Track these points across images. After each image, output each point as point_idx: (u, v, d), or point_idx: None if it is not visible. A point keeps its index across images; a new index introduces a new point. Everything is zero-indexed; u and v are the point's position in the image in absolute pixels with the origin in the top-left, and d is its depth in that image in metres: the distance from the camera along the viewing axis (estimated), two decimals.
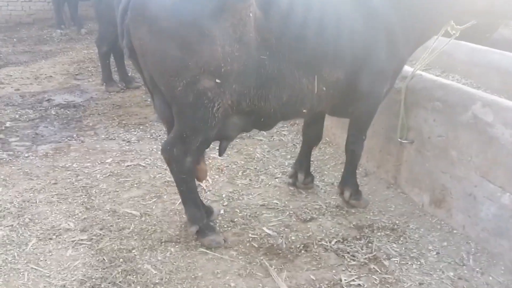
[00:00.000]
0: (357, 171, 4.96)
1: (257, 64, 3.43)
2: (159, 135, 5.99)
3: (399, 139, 4.53)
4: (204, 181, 4.37)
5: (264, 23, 3.37)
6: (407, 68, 4.71)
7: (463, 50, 6.25)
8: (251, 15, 3.26)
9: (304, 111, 3.87)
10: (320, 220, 4.26)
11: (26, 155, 5.44)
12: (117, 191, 4.71)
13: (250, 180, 4.97)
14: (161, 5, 3.20)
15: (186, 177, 3.73)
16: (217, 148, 5.42)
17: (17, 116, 6.62)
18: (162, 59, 3.31)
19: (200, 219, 3.88)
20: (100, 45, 7.61)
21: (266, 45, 3.42)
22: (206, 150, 3.94)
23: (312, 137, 4.68)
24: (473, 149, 3.87)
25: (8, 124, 6.32)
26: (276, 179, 5.00)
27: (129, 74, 8.17)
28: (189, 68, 3.25)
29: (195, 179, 3.89)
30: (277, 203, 4.53)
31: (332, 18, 3.68)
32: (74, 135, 6.01)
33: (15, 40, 11.44)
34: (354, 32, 3.76)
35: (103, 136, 6.01)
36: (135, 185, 4.82)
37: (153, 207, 4.43)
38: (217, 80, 3.31)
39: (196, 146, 3.59)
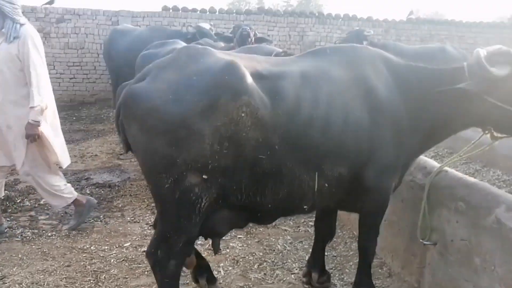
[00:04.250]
0: (380, 270, 4.65)
1: (252, 161, 3.31)
2: None
3: (421, 240, 4.19)
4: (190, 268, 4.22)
5: (268, 122, 3.28)
6: (433, 164, 4.47)
7: (506, 145, 5.88)
8: (243, 115, 3.18)
9: (305, 207, 3.68)
10: None
11: (50, 234, 5.51)
12: (126, 277, 4.62)
13: (264, 274, 4.73)
14: (151, 103, 3.16)
15: (169, 282, 3.52)
16: (238, 236, 5.39)
17: None
18: (151, 156, 3.25)
19: None
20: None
21: (267, 144, 3.31)
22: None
23: (324, 232, 4.45)
24: (497, 258, 3.50)
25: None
26: (292, 275, 4.73)
27: None
28: (177, 165, 3.17)
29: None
30: None
31: (337, 113, 3.54)
32: (101, 216, 6.05)
33: (74, 118, 12.08)
34: (358, 126, 3.60)
35: (128, 218, 6.02)
36: (146, 273, 4.70)
37: None
38: (204, 176, 3.22)
39: (179, 247, 3.42)
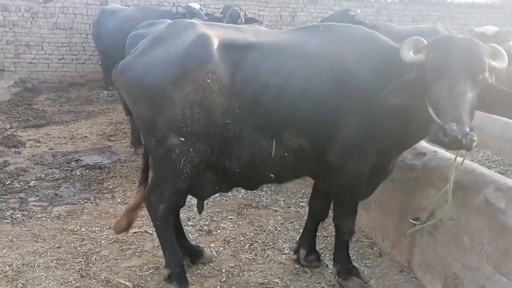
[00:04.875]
0: (371, 250, 4.68)
1: (221, 127, 3.65)
2: None
3: (411, 220, 4.22)
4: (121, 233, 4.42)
5: (229, 89, 3.61)
6: (423, 145, 4.47)
7: (496, 125, 5.91)
8: (209, 81, 3.55)
9: (271, 175, 3.87)
10: None
11: (40, 216, 5.48)
12: (117, 259, 4.62)
13: (255, 254, 4.75)
14: (134, 74, 3.71)
15: (160, 224, 4.00)
16: (229, 217, 5.40)
17: (43, 175, 6.76)
18: (138, 119, 3.84)
19: (174, 264, 4.07)
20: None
21: (230, 109, 3.63)
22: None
23: (317, 211, 4.47)
24: (485, 237, 3.52)
25: (32, 183, 6.45)
26: (283, 255, 4.76)
27: None
28: (157, 127, 3.65)
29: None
30: (277, 282, 4.28)
31: (297, 86, 3.63)
32: (91, 198, 6.03)
33: (63, 100, 11.95)
34: (322, 103, 3.63)
35: (119, 199, 6.00)
36: (137, 254, 4.71)
37: (148, 279, 4.30)
38: (181, 139, 3.63)
39: (167, 195, 3.87)
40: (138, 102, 3.74)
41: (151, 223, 5.24)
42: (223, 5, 12.64)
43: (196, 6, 11.40)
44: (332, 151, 3.75)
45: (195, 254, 4.53)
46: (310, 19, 15.32)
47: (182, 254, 4.30)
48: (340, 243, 4.26)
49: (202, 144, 3.67)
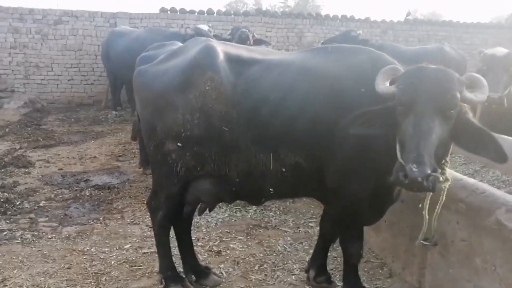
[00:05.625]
0: (381, 271, 4.66)
1: (218, 132, 3.75)
2: None
3: (422, 241, 4.19)
4: None
5: (229, 97, 3.72)
6: None
7: (506, 145, 5.89)
8: (208, 88, 3.72)
9: (270, 189, 3.87)
10: None
11: (50, 236, 5.50)
12: (127, 279, 4.61)
13: (265, 275, 4.73)
14: (145, 79, 4.03)
15: (157, 229, 4.29)
16: (239, 238, 5.40)
17: (52, 195, 6.80)
18: (142, 123, 4.14)
19: (164, 268, 4.33)
20: (139, 129, 7.82)
21: (228, 117, 3.72)
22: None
23: (327, 232, 4.45)
24: (497, 258, 3.51)
25: (42, 203, 6.48)
26: (293, 276, 4.73)
27: None
28: (157, 132, 3.90)
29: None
30: None
31: (295, 103, 3.66)
32: (101, 218, 6.05)
33: (72, 120, 12.06)
34: (319, 122, 3.62)
35: (128, 220, 6.01)
36: (147, 275, 4.70)
37: None
38: (179, 144, 3.83)
39: (163, 200, 4.12)
40: (144, 105, 4.05)
41: None
42: (231, 27, 12.79)
43: (204, 27, 11.53)
44: (329, 173, 3.72)
45: (200, 275, 4.54)
46: (316, 39, 15.45)
47: (186, 271, 4.52)
48: (348, 266, 4.23)
49: (200, 147, 3.82)
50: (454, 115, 3.07)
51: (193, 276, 4.51)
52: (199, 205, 4.36)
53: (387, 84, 3.32)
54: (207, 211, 4.40)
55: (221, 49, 3.90)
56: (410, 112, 3.05)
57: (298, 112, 3.65)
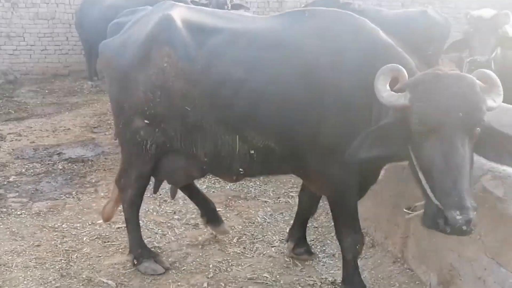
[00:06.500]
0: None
1: (181, 112, 3.54)
2: (160, 194, 5.68)
3: (404, 210, 4.04)
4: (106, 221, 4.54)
5: (189, 75, 3.47)
6: None
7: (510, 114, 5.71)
8: (165, 65, 3.49)
9: (240, 169, 3.63)
10: None
11: (19, 212, 5.26)
12: (100, 256, 4.43)
13: (244, 248, 4.58)
14: (108, 55, 3.88)
15: (127, 207, 4.12)
16: (217, 209, 5.21)
17: (23, 170, 6.52)
18: (110, 100, 3.99)
19: (135, 246, 4.18)
20: None
21: (190, 96, 3.48)
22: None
23: (306, 204, 4.27)
24: (483, 226, 3.36)
25: (12, 178, 6.21)
26: (273, 248, 4.59)
27: None
28: (124, 110, 3.74)
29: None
30: (267, 277, 4.11)
31: (261, 77, 3.31)
32: (74, 192, 5.80)
33: (46, 91, 11.63)
34: (289, 100, 3.26)
35: (102, 194, 5.77)
36: (120, 250, 4.51)
37: (132, 277, 4.12)
38: (146, 121, 3.65)
39: (133, 179, 3.96)
40: (111, 82, 3.90)
41: None
42: None
43: None
44: (310, 157, 3.38)
45: (212, 220, 4.62)
46: (298, 5, 15.00)
47: (203, 213, 4.62)
48: (345, 263, 3.73)
49: (166, 125, 3.64)
50: (480, 130, 2.65)
51: (206, 218, 4.62)
52: (170, 188, 4.46)
53: (389, 88, 2.80)
54: None
55: (182, 18, 3.58)
56: (434, 136, 2.60)
57: (264, 92, 3.30)
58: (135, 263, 4.15)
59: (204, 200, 4.64)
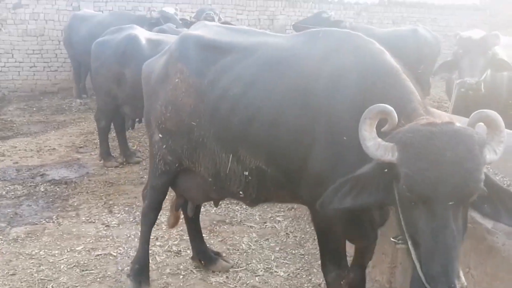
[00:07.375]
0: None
1: (188, 127, 3.56)
2: None
3: (392, 239, 3.90)
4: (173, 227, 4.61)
5: (197, 90, 3.50)
6: None
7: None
8: (177, 80, 3.58)
9: (240, 193, 3.48)
10: None
11: None
12: (76, 286, 4.26)
13: (226, 277, 4.42)
14: (145, 72, 4.07)
15: (141, 218, 4.26)
16: None
17: (4, 192, 6.35)
18: (144, 113, 4.14)
19: (137, 259, 4.20)
20: (99, 119, 7.42)
21: (197, 111, 3.49)
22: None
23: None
24: (472, 259, 3.24)
25: None
26: (256, 278, 4.42)
27: (131, 149, 7.91)
28: (151, 122, 3.91)
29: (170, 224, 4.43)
30: None
31: (255, 96, 3.21)
32: (54, 216, 5.63)
33: (34, 109, 11.48)
34: (280, 121, 3.09)
35: (83, 218, 5.60)
36: (98, 280, 4.34)
37: None
38: (160, 135, 3.79)
39: (147, 190, 4.16)
40: (145, 97, 4.07)
41: (117, 244, 4.98)
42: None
43: (171, 10, 11.07)
44: (300, 184, 3.18)
45: (208, 260, 4.53)
46: (289, 22, 15.01)
47: (194, 255, 4.55)
48: None
49: (173, 142, 3.72)
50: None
51: (202, 261, 4.50)
52: (188, 205, 4.35)
53: (375, 135, 2.40)
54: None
55: (199, 36, 3.70)
56: (424, 206, 2.25)
57: (257, 111, 3.16)
58: (128, 274, 4.21)
59: (200, 240, 4.59)
